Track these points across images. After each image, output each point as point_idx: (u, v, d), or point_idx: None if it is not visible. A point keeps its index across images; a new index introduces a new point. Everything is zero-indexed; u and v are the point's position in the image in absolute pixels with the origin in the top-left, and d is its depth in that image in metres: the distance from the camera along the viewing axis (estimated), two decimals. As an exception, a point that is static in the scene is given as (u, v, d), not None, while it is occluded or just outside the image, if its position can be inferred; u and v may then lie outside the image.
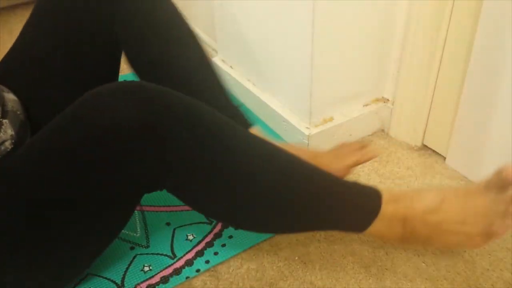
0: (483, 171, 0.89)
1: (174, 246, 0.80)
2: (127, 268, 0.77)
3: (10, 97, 0.72)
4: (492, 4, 0.76)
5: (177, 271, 0.76)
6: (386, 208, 0.66)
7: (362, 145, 0.82)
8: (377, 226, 0.66)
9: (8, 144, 0.65)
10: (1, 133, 0.65)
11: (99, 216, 0.63)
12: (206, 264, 0.77)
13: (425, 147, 1.02)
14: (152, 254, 0.79)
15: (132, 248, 0.80)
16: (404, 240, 0.68)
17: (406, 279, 0.74)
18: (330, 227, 0.69)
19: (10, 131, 0.67)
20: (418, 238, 0.67)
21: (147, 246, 0.81)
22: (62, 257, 0.64)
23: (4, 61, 0.79)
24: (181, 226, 0.84)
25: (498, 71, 0.80)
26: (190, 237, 0.82)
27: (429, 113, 0.97)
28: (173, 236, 0.82)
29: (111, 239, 0.69)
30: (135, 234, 0.83)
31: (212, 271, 0.77)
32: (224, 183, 0.61)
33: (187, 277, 0.75)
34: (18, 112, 0.71)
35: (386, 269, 0.76)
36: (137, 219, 0.86)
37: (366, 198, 0.66)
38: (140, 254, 0.79)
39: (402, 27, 0.94)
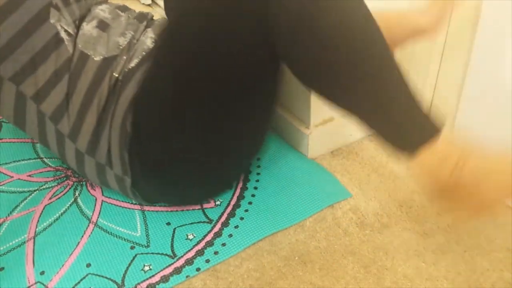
0: (483, 171, 0.89)
1: (174, 246, 0.80)
2: (127, 268, 0.77)
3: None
4: (492, 4, 0.76)
5: (177, 270, 0.76)
6: (442, 141, 0.65)
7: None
8: (431, 155, 0.65)
9: (149, 43, 0.80)
10: (143, 37, 0.81)
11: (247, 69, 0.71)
12: (206, 264, 0.77)
13: (425, 147, 1.02)
14: (152, 253, 0.79)
15: (132, 248, 0.80)
16: (446, 186, 0.67)
17: (406, 279, 0.74)
18: (393, 125, 0.68)
19: (151, 35, 0.82)
20: (462, 184, 0.66)
21: (147, 246, 0.81)
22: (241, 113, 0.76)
23: None
24: (181, 225, 0.84)
25: (498, 71, 0.80)
26: (190, 237, 0.82)
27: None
28: (173, 236, 0.82)
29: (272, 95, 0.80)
30: (135, 234, 0.83)
31: (212, 270, 0.77)
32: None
33: (187, 276, 0.75)
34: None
35: (386, 269, 0.76)
36: (137, 219, 0.86)
37: (430, 118, 0.66)
38: (141, 253, 0.79)
39: (402, 27, 0.94)
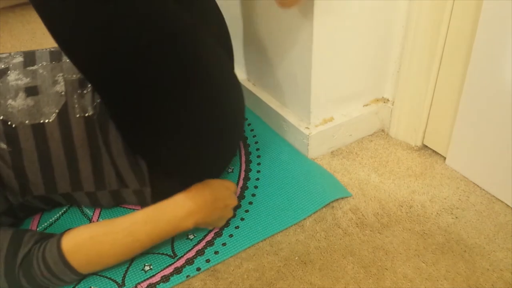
0: (483, 171, 0.90)
1: (175, 245, 0.81)
2: (127, 268, 0.77)
3: None
4: (492, 4, 0.76)
5: (178, 270, 0.76)
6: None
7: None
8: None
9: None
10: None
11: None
12: (206, 263, 0.77)
13: (425, 147, 1.02)
14: (153, 253, 0.79)
15: (132, 248, 0.80)
16: None
17: (406, 279, 0.74)
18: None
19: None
20: None
21: (148, 246, 0.81)
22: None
23: None
24: (182, 225, 0.84)
25: (498, 71, 0.80)
26: (191, 236, 0.82)
27: (429, 113, 0.97)
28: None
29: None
30: (135, 234, 0.83)
31: (212, 270, 0.77)
32: None
33: (187, 276, 0.75)
34: None
35: (386, 269, 0.76)
36: (137, 219, 0.86)
37: None
38: (141, 253, 0.79)
39: (402, 27, 0.94)
